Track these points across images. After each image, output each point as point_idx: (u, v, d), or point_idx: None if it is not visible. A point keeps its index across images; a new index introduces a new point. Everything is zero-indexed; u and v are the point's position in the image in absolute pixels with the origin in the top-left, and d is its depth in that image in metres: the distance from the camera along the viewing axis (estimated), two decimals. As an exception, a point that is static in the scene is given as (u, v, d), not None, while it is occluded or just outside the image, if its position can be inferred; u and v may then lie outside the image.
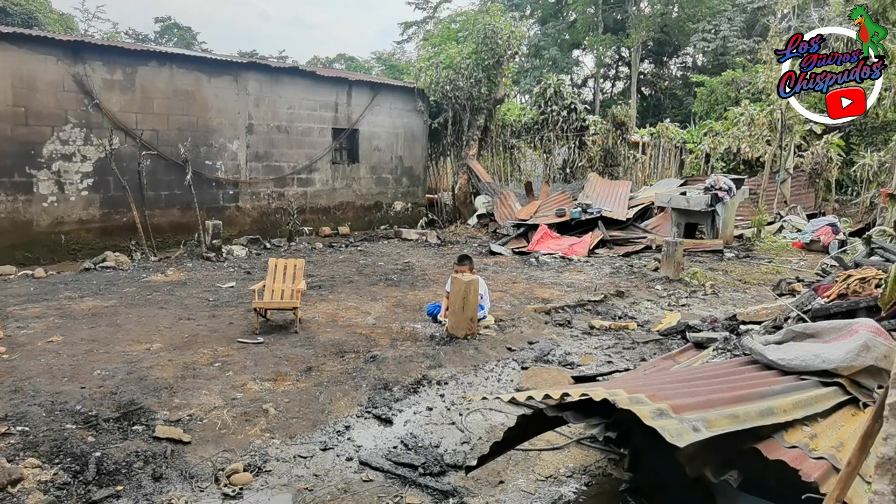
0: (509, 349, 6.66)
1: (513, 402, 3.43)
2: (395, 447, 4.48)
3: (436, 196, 18.29)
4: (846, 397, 3.99)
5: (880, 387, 4.05)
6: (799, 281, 9.61)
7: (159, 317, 7.56)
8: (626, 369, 5.99)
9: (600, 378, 5.89)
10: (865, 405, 3.97)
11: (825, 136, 17.41)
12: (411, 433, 4.70)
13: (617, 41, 34.58)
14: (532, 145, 18.92)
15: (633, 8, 34.82)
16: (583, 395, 2.94)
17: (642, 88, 37.06)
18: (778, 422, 3.39)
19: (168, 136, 12.31)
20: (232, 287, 9.41)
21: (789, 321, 5.93)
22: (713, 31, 32.42)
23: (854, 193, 17.96)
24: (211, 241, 11.58)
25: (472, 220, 16.55)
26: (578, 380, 5.87)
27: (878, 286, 5.75)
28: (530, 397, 3.18)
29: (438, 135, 18.05)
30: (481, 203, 16.62)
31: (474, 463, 3.48)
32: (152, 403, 4.93)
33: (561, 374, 5.83)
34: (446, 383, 5.66)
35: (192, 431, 4.52)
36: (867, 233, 9.06)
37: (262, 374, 5.67)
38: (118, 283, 9.50)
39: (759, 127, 17.42)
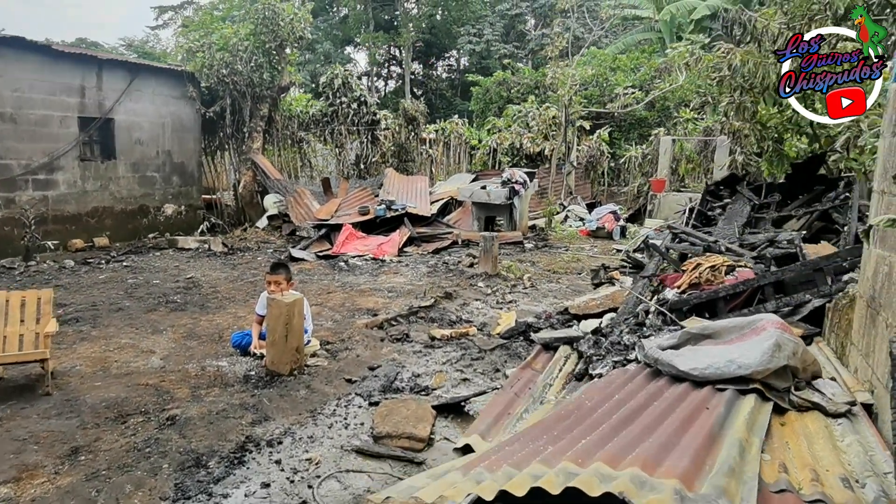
0: (348, 381, 5.44)
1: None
2: (229, 560, 3.08)
3: (214, 196, 16.00)
4: (766, 404, 3.55)
5: (797, 388, 3.70)
6: (606, 268, 9.70)
7: None
8: (495, 389, 5.16)
9: (464, 403, 5.01)
10: (784, 410, 3.58)
11: (597, 132, 18.77)
12: (249, 530, 3.32)
13: (389, 39, 34.70)
14: (322, 139, 17.56)
15: (402, 7, 35.20)
16: (564, 485, 1.94)
17: (414, 88, 37.72)
18: (754, 459, 2.75)
19: None
20: (-61, 332, 6.74)
21: (651, 315, 5.61)
22: (477, 34, 34.10)
23: (623, 183, 19.65)
24: None
25: (262, 223, 14.72)
26: (440, 409, 4.92)
27: (727, 273, 5.66)
28: (480, 495, 2.10)
29: (215, 126, 15.79)
30: (272, 203, 14.84)
31: None
32: None
33: (421, 406, 4.77)
34: (280, 442, 4.29)
35: None
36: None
37: (-4, 471, 3.76)
38: None
39: (542, 123, 18.15)
